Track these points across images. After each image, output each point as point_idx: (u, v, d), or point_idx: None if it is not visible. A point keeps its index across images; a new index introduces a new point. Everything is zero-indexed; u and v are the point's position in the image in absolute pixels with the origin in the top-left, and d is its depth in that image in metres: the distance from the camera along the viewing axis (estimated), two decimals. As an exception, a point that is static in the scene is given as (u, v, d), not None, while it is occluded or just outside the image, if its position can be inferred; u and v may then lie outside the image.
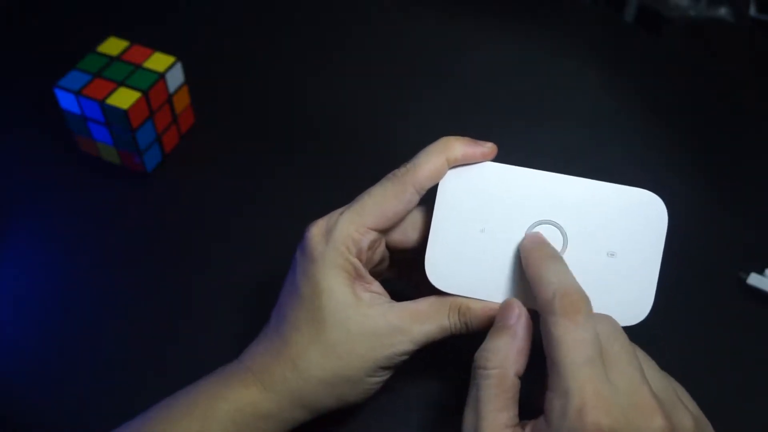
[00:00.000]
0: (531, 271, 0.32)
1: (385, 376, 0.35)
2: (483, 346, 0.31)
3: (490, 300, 0.34)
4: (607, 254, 0.33)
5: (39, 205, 0.50)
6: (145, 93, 0.48)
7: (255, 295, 0.45)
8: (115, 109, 0.47)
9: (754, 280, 0.47)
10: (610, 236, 0.33)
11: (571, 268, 0.33)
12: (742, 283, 0.47)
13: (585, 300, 0.29)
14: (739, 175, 0.55)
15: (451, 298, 0.34)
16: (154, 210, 0.51)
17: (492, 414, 0.29)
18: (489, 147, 0.35)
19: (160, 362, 0.43)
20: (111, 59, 0.50)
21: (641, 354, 0.31)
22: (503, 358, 0.30)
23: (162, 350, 0.43)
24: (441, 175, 0.34)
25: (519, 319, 0.31)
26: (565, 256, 0.34)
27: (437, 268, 0.34)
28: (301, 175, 0.53)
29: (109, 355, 0.43)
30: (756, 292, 0.47)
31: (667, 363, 0.33)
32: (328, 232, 0.34)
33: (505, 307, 0.32)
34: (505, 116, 0.58)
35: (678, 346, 0.44)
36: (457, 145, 0.34)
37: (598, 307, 0.33)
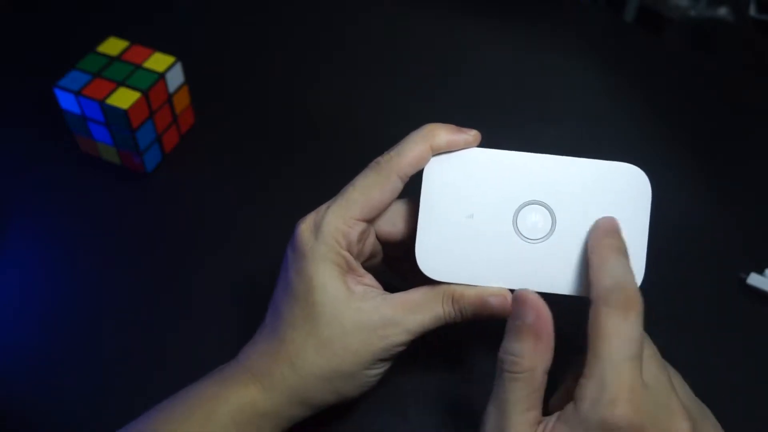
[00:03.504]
0: (596, 257, 0.31)
1: (382, 368, 0.35)
2: (507, 347, 0.30)
3: (483, 285, 0.34)
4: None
5: (39, 205, 0.50)
6: (145, 93, 0.48)
7: (255, 295, 0.45)
8: (115, 109, 0.47)
9: (754, 280, 0.47)
10: (597, 211, 0.33)
11: (561, 245, 0.33)
12: (742, 283, 0.47)
13: (640, 300, 0.29)
14: (739, 175, 0.55)
15: (443, 287, 0.34)
16: (154, 210, 0.51)
17: (520, 415, 0.29)
18: (473, 134, 0.34)
19: (160, 362, 0.43)
20: (111, 59, 0.50)
21: (674, 372, 0.32)
22: (531, 360, 0.30)
23: (162, 350, 0.43)
24: (425, 161, 0.34)
25: (538, 316, 0.30)
26: (555, 235, 0.34)
27: (428, 257, 0.34)
28: (301, 175, 0.53)
29: (108, 355, 0.43)
30: (756, 292, 0.47)
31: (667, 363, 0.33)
32: (317, 228, 0.34)
33: (519, 302, 0.31)
34: (505, 116, 0.58)
35: (678, 346, 0.44)
36: (441, 133, 0.34)
37: (584, 279, 0.33)
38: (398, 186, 0.34)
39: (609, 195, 0.33)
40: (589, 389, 0.28)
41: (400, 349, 0.34)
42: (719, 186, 0.54)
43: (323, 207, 0.35)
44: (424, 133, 0.34)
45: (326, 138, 0.56)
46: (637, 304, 0.29)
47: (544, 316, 0.30)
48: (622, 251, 0.31)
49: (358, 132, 0.56)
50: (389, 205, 0.35)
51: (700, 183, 0.54)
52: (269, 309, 0.36)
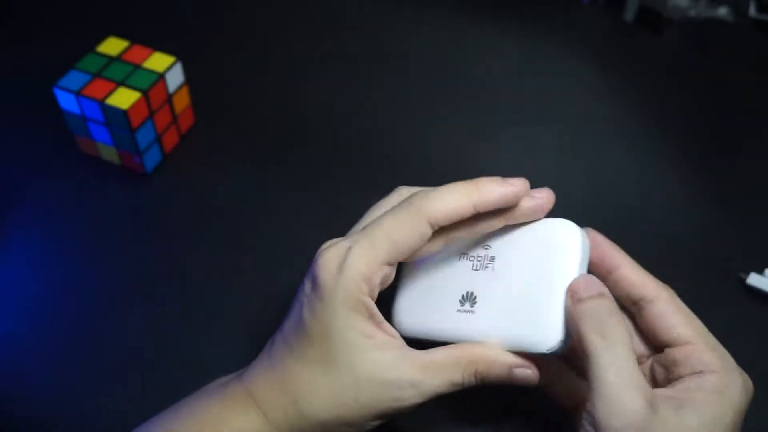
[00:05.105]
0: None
1: (386, 419, 0.34)
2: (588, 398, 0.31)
3: (450, 341, 0.34)
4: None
5: (39, 206, 0.50)
6: (145, 93, 0.48)
7: (256, 297, 0.45)
8: (115, 109, 0.47)
9: (754, 280, 0.47)
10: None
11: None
12: (742, 283, 0.47)
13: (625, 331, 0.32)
14: (739, 174, 0.55)
15: (466, 352, 0.33)
16: (154, 210, 0.51)
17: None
18: (521, 183, 0.33)
19: (159, 362, 0.43)
20: (111, 59, 0.50)
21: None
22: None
23: (162, 350, 0.43)
24: (461, 217, 0.32)
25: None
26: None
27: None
28: (301, 176, 0.53)
29: (108, 355, 0.43)
30: (756, 292, 0.47)
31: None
32: (339, 268, 0.32)
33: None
34: (505, 116, 0.58)
35: (678, 346, 0.44)
36: (491, 187, 0.32)
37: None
38: (427, 233, 0.32)
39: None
40: (597, 413, 0.29)
41: (410, 410, 0.33)
42: (719, 186, 0.54)
43: (346, 244, 0.33)
44: (471, 188, 0.32)
45: (326, 138, 0.56)
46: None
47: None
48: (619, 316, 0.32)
49: (359, 132, 0.56)
50: (418, 250, 0.33)
51: (700, 183, 0.54)
52: (279, 335, 0.35)
